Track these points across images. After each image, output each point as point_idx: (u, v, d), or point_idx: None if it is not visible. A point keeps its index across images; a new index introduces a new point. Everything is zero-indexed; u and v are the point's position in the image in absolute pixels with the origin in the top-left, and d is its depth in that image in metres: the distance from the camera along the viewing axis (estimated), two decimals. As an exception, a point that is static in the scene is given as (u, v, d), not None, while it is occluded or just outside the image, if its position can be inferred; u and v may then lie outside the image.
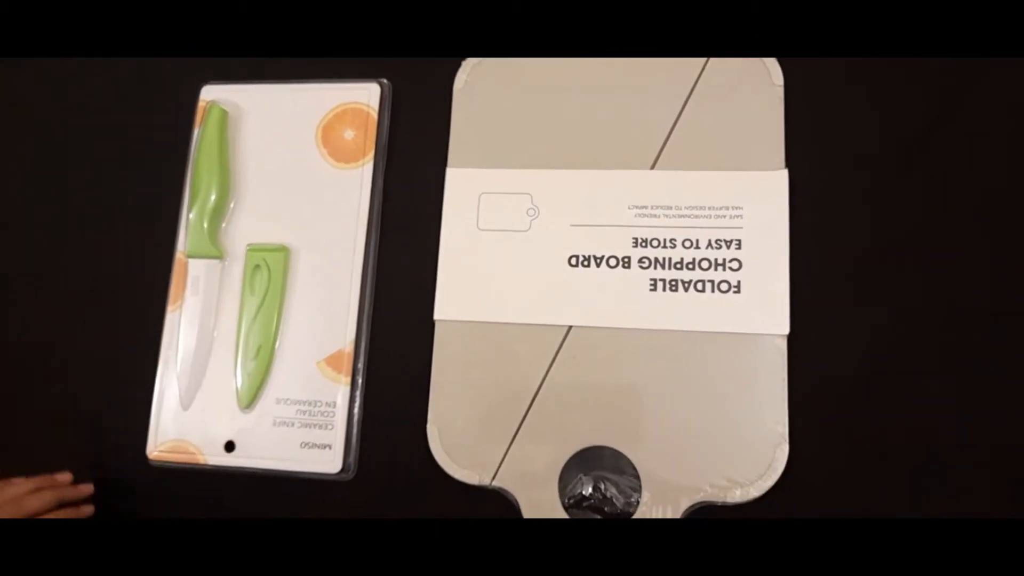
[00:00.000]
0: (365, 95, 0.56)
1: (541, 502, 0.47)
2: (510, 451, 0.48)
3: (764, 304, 0.48)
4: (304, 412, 0.51)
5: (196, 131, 0.56)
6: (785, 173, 0.49)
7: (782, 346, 0.47)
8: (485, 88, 0.54)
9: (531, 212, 0.51)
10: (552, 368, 0.49)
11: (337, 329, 0.52)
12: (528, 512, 0.47)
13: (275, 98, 0.57)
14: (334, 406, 0.51)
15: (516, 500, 0.47)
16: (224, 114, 0.56)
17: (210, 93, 0.57)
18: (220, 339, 0.53)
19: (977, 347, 0.47)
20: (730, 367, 0.47)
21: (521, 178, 0.52)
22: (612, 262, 0.49)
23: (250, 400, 0.52)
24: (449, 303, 0.51)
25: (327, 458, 0.51)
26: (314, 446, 0.51)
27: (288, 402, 0.52)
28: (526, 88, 0.53)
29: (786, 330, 0.47)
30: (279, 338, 0.53)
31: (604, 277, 0.49)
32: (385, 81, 0.56)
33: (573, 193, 0.51)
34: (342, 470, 0.50)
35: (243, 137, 0.56)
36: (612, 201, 0.50)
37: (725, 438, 0.47)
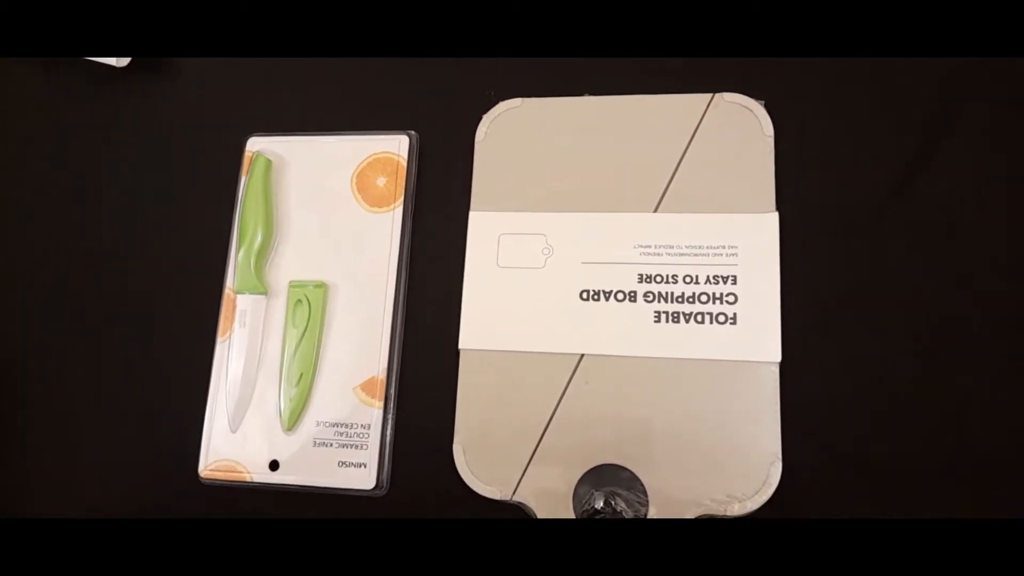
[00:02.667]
0: (395, 145, 0.61)
1: (557, 515, 0.52)
2: (528, 468, 0.53)
3: (758, 334, 0.52)
4: (341, 434, 0.56)
5: (243, 179, 0.62)
6: (775, 215, 0.54)
7: (775, 372, 0.52)
8: (504, 138, 0.59)
9: (546, 251, 0.56)
10: (566, 393, 0.54)
11: (371, 358, 0.57)
12: (545, 524, 0.52)
13: (314, 148, 0.62)
14: (368, 428, 0.56)
15: (535, 513, 0.52)
16: (268, 163, 0.61)
17: (255, 144, 0.63)
18: (265, 367, 0.58)
19: (963, 370, 0.51)
20: (728, 392, 0.52)
21: (537, 220, 0.57)
22: (620, 296, 0.54)
23: (292, 423, 0.57)
24: (473, 334, 0.56)
25: (362, 476, 0.55)
26: (350, 465, 0.56)
27: (327, 425, 0.56)
28: (541, 135, 0.58)
29: (778, 358, 0.52)
30: (318, 366, 0.58)
31: (613, 310, 0.54)
32: (413, 133, 0.62)
33: (584, 234, 0.56)
34: (376, 486, 0.55)
35: (285, 184, 0.62)
36: (619, 241, 0.55)
37: (724, 456, 0.51)
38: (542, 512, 0.52)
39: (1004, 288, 0.52)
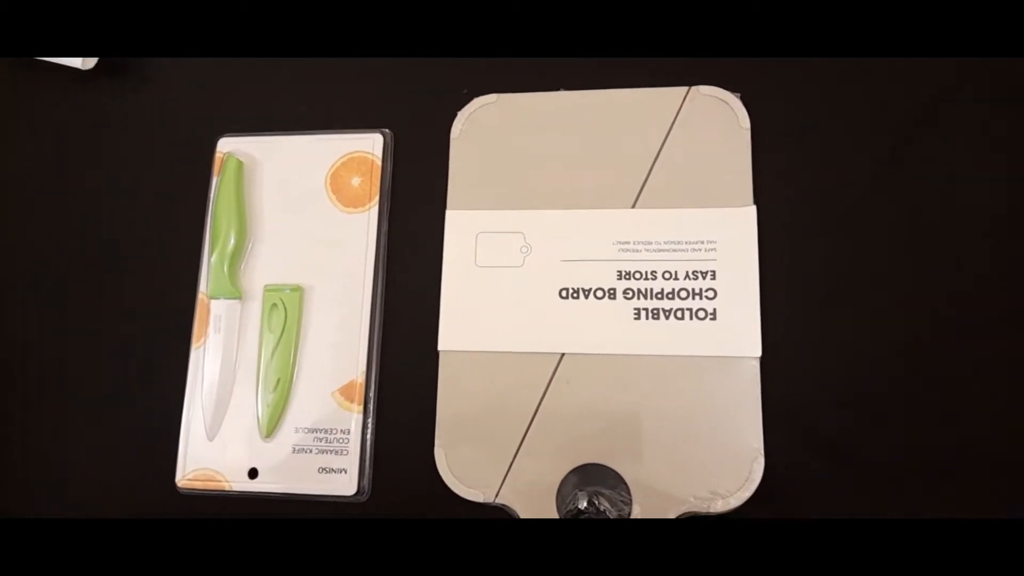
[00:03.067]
0: (369, 144, 0.60)
1: (540, 516, 0.51)
2: (511, 470, 0.52)
3: (738, 329, 0.52)
4: (321, 439, 0.56)
5: (214, 180, 0.61)
6: (753, 209, 0.54)
7: (755, 367, 0.52)
8: (478, 135, 0.59)
9: (524, 249, 0.56)
10: (547, 392, 0.53)
11: (349, 361, 0.56)
12: (529, 525, 0.51)
13: (287, 148, 0.61)
14: (348, 433, 0.55)
15: (518, 515, 0.52)
16: (240, 164, 0.60)
17: (226, 145, 0.62)
18: (242, 373, 0.57)
19: (944, 364, 0.51)
20: (709, 388, 0.52)
21: (514, 218, 0.56)
22: (599, 294, 0.54)
23: (271, 430, 0.56)
24: (452, 335, 0.55)
25: (343, 482, 0.55)
26: (331, 471, 0.55)
27: (306, 430, 0.56)
28: (517, 131, 0.58)
29: (758, 352, 0.52)
30: (296, 371, 0.57)
31: (592, 308, 0.54)
32: (388, 131, 0.61)
33: (562, 231, 0.55)
34: (357, 492, 0.54)
35: (258, 185, 0.61)
36: (598, 238, 0.55)
37: (706, 453, 0.51)
38: (525, 514, 0.52)
39: (984, 281, 0.52)
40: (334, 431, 0.55)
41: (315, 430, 0.56)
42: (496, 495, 0.52)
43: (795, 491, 0.51)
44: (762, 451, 0.50)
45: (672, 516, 0.50)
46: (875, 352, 0.52)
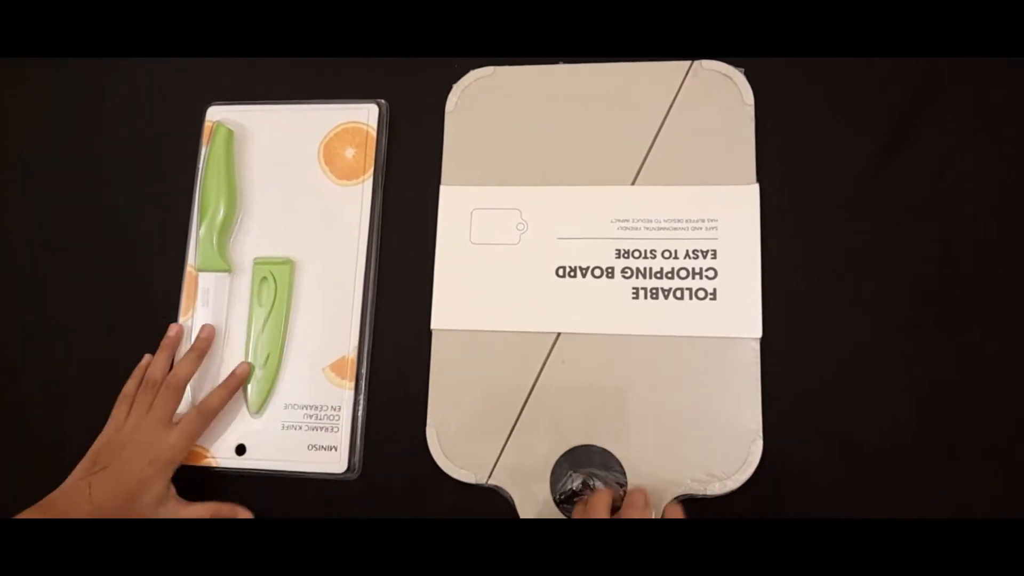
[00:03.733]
0: (364, 114, 0.59)
1: (534, 498, 0.50)
2: (504, 451, 0.51)
3: (738, 310, 0.51)
4: (311, 416, 0.54)
5: (203, 150, 0.59)
6: (756, 187, 0.52)
7: (755, 348, 0.51)
8: (475, 109, 0.57)
9: (520, 227, 0.54)
10: (542, 373, 0.52)
11: (340, 337, 0.55)
12: (522, 508, 0.51)
13: (279, 118, 0.60)
14: (339, 410, 0.54)
15: (511, 497, 0.51)
16: (230, 133, 0.58)
17: (216, 114, 0.60)
18: (230, 348, 0.56)
19: (940, 348, 0.50)
20: (707, 369, 0.51)
21: (511, 194, 0.55)
22: (597, 272, 0.53)
23: (260, 406, 0.55)
24: (445, 313, 0.54)
25: (333, 459, 0.54)
26: (320, 448, 0.54)
27: (296, 407, 0.55)
28: (514, 105, 0.56)
29: (759, 333, 0.51)
30: (286, 346, 0.55)
31: (590, 287, 0.53)
32: (383, 101, 0.59)
33: (560, 208, 0.54)
34: (347, 470, 0.53)
35: (249, 155, 0.59)
36: (596, 215, 0.54)
37: (704, 435, 0.50)
38: (518, 496, 0.51)
39: (986, 263, 0.51)
40: (324, 408, 0.54)
41: (305, 407, 0.54)
42: (489, 476, 0.51)
43: (792, 474, 0.50)
44: (760, 433, 0.49)
45: (669, 498, 0.49)
46: (878, 334, 0.51)
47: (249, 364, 0.55)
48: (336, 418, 0.54)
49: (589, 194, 0.54)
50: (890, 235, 0.52)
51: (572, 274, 0.53)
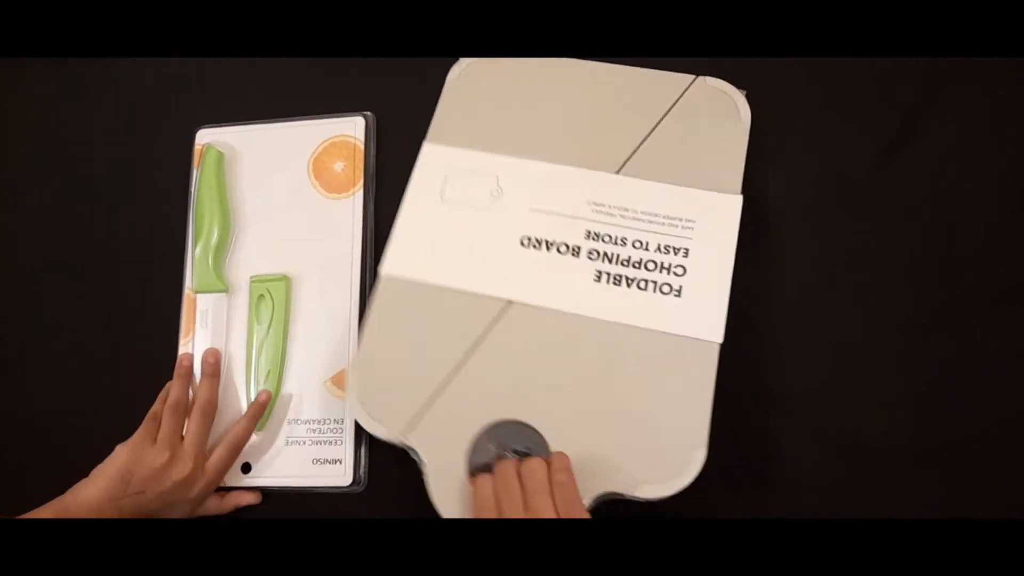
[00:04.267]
0: (351, 128, 0.59)
1: (446, 467, 0.45)
2: (428, 412, 0.47)
3: (702, 311, 0.48)
4: (314, 430, 0.52)
5: (195, 173, 0.58)
6: (739, 198, 0.51)
7: (714, 353, 0.47)
8: (476, 81, 0.57)
9: (495, 192, 0.53)
10: (485, 339, 0.48)
11: (340, 349, 0.53)
12: (431, 474, 0.45)
13: (267, 136, 0.60)
14: (342, 423, 0.52)
15: (423, 460, 0.46)
16: (220, 155, 0.58)
17: (205, 136, 0.60)
18: (231, 367, 0.54)
19: (940, 348, 0.49)
20: (660, 366, 0.47)
21: (491, 161, 0.54)
22: (562, 249, 0.50)
23: (263, 423, 0.52)
24: (398, 260, 0.51)
25: (338, 472, 0.51)
26: (325, 462, 0.51)
27: (298, 422, 0.52)
28: (515, 85, 0.56)
29: (720, 339, 0.47)
30: (286, 362, 0.53)
31: (552, 260, 0.50)
32: (369, 114, 0.59)
33: (538, 182, 0.53)
34: (353, 483, 0.50)
35: (239, 175, 0.59)
36: (573, 195, 0.52)
37: (645, 433, 0.45)
38: (431, 460, 0.46)
39: (986, 263, 0.50)
40: (327, 421, 0.52)
41: (308, 421, 0.52)
42: (404, 435, 0.46)
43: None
44: (706, 441, 0.45)
45: (594, 493, 0.44)
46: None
47: (268, 392, 0.52)
48: (339, 431, 0.52)
49: (571, 174, 0.53)
50: (890, 235, 0.51)
51: (536, 245, 0.51)
